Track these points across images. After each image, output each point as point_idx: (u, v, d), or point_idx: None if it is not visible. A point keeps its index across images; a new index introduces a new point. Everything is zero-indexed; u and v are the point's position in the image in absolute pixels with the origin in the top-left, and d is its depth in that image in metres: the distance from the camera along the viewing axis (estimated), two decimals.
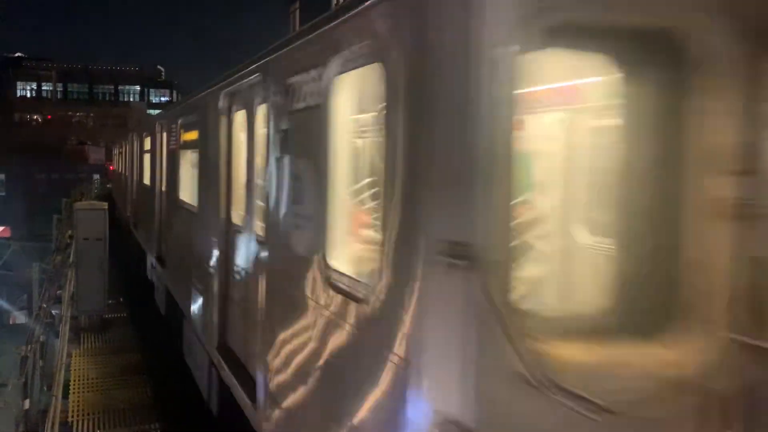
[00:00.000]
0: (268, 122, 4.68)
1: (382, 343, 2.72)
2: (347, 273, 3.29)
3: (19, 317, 34.75)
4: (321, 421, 3.50)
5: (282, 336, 4.34)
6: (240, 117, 6.01)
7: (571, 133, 3.37)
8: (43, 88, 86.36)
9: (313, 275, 3.68)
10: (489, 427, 2.17)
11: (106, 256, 13.32)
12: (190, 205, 8.37)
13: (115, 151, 30.10)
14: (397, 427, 2.58)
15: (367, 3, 3.07)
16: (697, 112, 2.00)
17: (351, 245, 3.51)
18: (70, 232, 15.10)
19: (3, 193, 57.71)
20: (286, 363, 4.17)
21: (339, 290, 3.28)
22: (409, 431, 2.49)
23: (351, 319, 3.14)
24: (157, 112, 17.79)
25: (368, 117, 3.35)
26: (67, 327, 11.05)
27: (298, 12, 36.16)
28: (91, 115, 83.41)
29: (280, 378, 4.27)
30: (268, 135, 4.69)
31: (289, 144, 4.23)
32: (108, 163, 48.33)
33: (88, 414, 8.87)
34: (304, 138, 3.96)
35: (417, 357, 2.45)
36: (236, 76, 5.89)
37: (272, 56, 4.79)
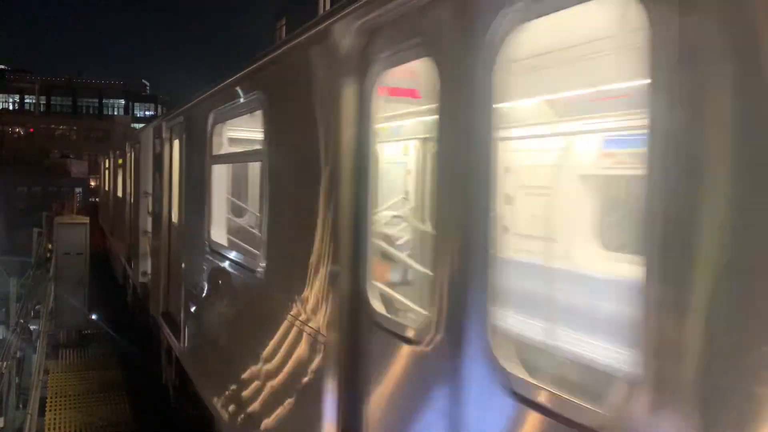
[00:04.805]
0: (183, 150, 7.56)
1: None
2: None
3: None
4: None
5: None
6: (169, 145, 8.85)
7: None
8: (26, 100, 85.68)
9: None
10: None
11: (86, 271, 13.12)
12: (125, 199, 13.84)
13: (102, 166, 31.85)
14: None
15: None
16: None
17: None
18: (49, 245, 14.90)
19: None
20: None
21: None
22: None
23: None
24: (141, 125, 18.49)
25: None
26: (45, 342, 10.84)
27: (284, 28, 36.28)
28: (75, 128, 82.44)
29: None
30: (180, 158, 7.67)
31: (189, 164, 7.08)
32: (91, 178, 47.85)
33: None
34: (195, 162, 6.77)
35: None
36: (174, 113, 8.66)
37: (187, 106, 7.43)
